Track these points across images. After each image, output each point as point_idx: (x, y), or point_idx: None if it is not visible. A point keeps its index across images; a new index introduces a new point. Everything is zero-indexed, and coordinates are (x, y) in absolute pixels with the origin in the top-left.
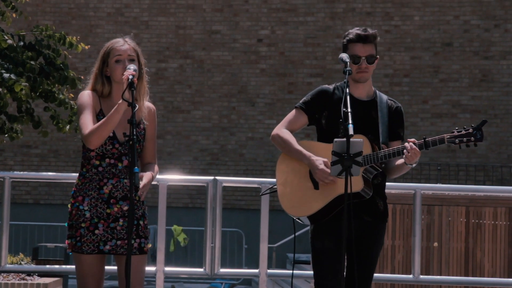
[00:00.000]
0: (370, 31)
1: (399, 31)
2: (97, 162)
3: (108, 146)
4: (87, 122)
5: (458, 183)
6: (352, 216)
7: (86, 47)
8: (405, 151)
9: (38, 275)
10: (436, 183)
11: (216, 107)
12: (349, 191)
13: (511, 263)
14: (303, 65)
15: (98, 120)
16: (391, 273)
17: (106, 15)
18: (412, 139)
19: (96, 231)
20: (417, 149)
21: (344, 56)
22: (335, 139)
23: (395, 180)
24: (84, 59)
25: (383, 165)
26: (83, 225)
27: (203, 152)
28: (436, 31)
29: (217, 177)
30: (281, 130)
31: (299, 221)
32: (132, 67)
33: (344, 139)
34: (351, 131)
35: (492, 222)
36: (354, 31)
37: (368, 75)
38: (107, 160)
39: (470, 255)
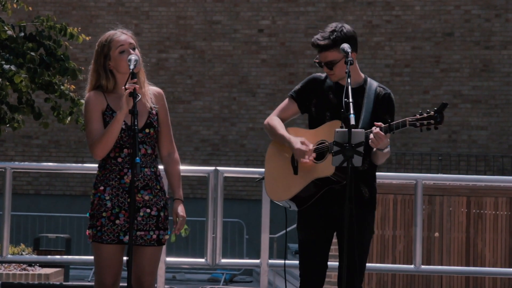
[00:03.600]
0: (328, 38)
1: (400, 21)
2: (116, 154)
3: (125, 137)
4: (92, 133)
5: (459, 173)
6: (335, 203)
7: (87, 38)
8: (370, 135)
9: (39, 266)
10: (437, 173)
11: (217, 98)
12: (320, 176)
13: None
14: (304, 56)
15: (106, 118)
16: (392, 263)
17: (107, 5)
18: (379, 124)
19: (117, 221)
20: (381, 133)
21: (346, 46)
22: (336, 130)
23: (396, 170)
24: (85, 50)
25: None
26: (104, 214)
27: (204, 143)
28: (437, 21)
29: (218, 168)
30: (272, 117)
31: (289, 207)
32: (133, 57)
33: (346, 129)
34: (352, 121)
35: (493, 212)
36: (316, 36)
37: (335, 77)
38: (125, 150)
39: (471, 245)
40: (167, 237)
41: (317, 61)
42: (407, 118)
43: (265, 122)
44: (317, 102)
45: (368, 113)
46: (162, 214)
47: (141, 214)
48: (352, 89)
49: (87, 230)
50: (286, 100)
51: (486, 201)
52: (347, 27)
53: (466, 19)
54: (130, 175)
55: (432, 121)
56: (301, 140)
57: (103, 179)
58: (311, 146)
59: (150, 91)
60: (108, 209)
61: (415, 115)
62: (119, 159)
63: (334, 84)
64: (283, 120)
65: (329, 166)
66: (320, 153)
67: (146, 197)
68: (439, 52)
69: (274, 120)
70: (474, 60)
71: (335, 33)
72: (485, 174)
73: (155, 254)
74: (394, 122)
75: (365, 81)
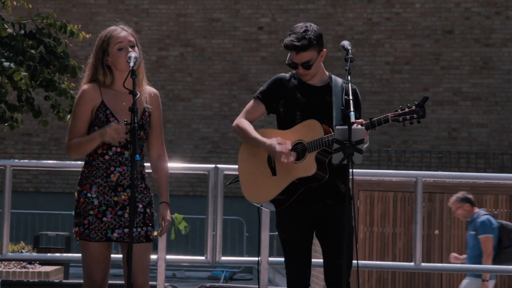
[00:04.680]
0: (303, 38)
1: (400, 18)
2: (104, 151)
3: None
4: (72, 132)
5: (459, 171)
6: (314, 201)
7: (87, 36)
8: None
9: (39, 263)
10: (437, 171)
11: (216, 95)
12: (301, 175)
13: None
14: None
15: (99, 114)
16: (392, 260)
17: (107, 3)
18: (360, 120)
19: (104, 219)
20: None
21: (346, 43)
22: (337, 127)
23: (396, 168)
24: (85, 47)
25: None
26: (91, 212)
27: (204, 140)
28: (437, 19)
29: (218, 165)
30: (240, 120)
31: (262, 208)
32: (133, 55)
33: (346, 126)
34: (352, 119)
35: (493, 209)
36: (289, 38)
37: (308, 76)
38: (113, 148)
39: None
40: (155, 233)
41: (290, 62)
42: (389, 114)
43: (234, 124)
44: (285, 102)
45: (339, 110)
46: (148, 210)
47: (128, 211)
48: (318, 87)
49: (74, 228)
50: (252, 102)
51: (486, 199)
52: (315, 26)
53: (466, 17)
54: (117, 174)
55: (414, 115)
56: (278, 140)
57: (89, 176)
58: (289, 144)
59: (146, 91)
60: (95, 207)
61: (397, 110)
62: (107, 157)
63: (299, 83)
64: (250, 122)
65: (311, 165)
66: (299, 153)
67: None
68: (439, 49)
69: (243, 122)
70: (474, 57)
71: (309, 32)
72: (485, 172)
73: (144, 251)
74: (376, 118)
75: (330, 78)
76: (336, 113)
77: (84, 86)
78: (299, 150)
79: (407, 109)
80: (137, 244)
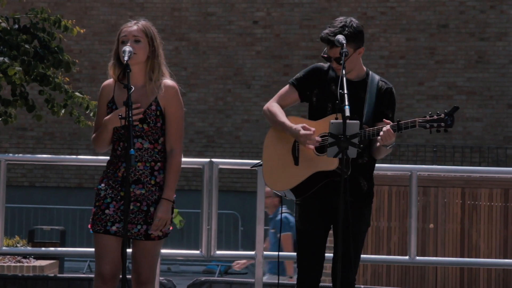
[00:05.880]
0: (339, 34)
1: (395, 12)
2: (116, 146)
3: (121, 131)
4: (95, 127)
5: (453, 165)
6: (335, 195)
7: (82, 31)
8: (381, 132)
9: (34, 258)
10: (432, 165)
11: (211, 90)
12: (323, 169)
13: (506, 244)
14: (298, 47)
15: (108, 109)
16: (387, 254)
17: None
18: (388, 121)
19: (107, 211)
20: (392, 130)
21: (341, 37)
22: (331, 121)
23: (391, 162)
24: (79, 42)
25: (361, 145)
26: (97, 203)
27: (199, 135)
28: (432, 13)
29: (213, 160)
30: (271, 104)
31: (285, 197)
32: (127, 49)
33: (340, 120)
34: (347, 113)
35: (488, 203)
36: (326, 31)
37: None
38: (121, 144)
39: (465, 236)
40: (160, 233)
41: (325, 55)
42: (417, 119)
43: (265, 107)
44: (319, 93)
45: (371, 107)
46: (151, 209)
47: (131, 207)
48: (354, 82)
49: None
50: (287, 87)
51: (480, 193)
52: (356, 22)
53: (461, 11)
54: (123, 169)
55: (442, 124)
56: (302, 125)
57: (105, 170)
58: (313, 130)
59: (162, 85)
60: (101, 198)
61: (425, 116)
62: (118, 152)
63: (336, 75)
64: (282, 107)
65: (333, 159)
66: (323, 146)
67: (138, 192)
68: (434, 43)
69: (274, 106)
70: (469, 51)
71: (347, 29)
72: (479, 166)
73: (147, 247)
74: (403, 122)
75: (367, 74)
76: (367, 110)
77: (105, 82)
78: (325, 142)
79: (435, 117)
80: (139, 241)
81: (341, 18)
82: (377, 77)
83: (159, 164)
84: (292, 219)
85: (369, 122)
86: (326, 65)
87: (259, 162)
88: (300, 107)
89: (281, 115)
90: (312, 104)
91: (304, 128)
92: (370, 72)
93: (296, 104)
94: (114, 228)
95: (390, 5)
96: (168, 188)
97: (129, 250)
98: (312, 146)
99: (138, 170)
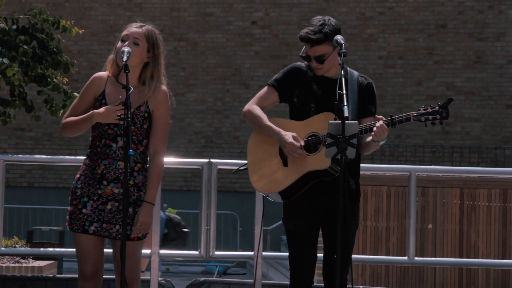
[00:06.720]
0: (319, 32)
1: (393, 12)
2: (97, 143)
3: (105, 127)
4: (71, 110)
5: (452, 165)
6: (324, 195)
7: (80, 32)
8: (374, 128)
9: (32, 258)
10: (431, 165)
11: (210, 90)
12: (314, 169)
13: (505, 245)
14: (297, 48)
15: (96, 103)
16: (385, 255)
17: None
18: (380, 116)
19: (84, 210)
20: (385, 126)
21: (340, 38)
22: (330, 121)
23: (389, 162)
24: (78, 42)
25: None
26: (74, 202)
27: (197, 135)
28: (431, 13)
29: (212, 160)
30: (252, 106)
31: (269, 198)
32: (126, 49)
33: (339, 121)
34: (346, 113)
35: (486, 203)
36: (305, 30)
37: (322, 70)
38: (103, 140)
39: (464, 236)
40: (139, 234)
41: (304, 55)
42: (411, 113)
43: (245, 110)
44: (300, 93)
45: (355, 104)
46: (130, 209)
47: (109, 207)
48: (334, 80)
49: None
50: (266, 89)
51: (479, 193)
52: (333, 20)
53: (460, 11)
54: (103, 166)
55: (437, 116)
56: (293, 134)
57: (82, 167)
58: (302, 143)
59: (156, 88)
60: (77, 197)
61: (419, 109)
62: (98, 149)
63: (315, 75)
64: (262, 109)
65: (324, 159)
66: (312, 145)
67: (116, 190)
68: (432, 44)
69: (256, 109)
70: (468, 52)
71: (326, 27)
72: (478, 166)
73: (128, 249)
74: (397, 116)
75: (346, 71)
76: (351, 107)
77: (98, 73)
78: (312, 142)
79: (430, 109)
80: (118, 241)
81: (319, 17)
82: (355, 73)
83: (138, 165)
84: (162, 214)
85: (355, 119)
86: (304, 64)
87: (242, 166)
88: (278, 107)
89: (265, 119)
90: (294, 104)
91: (295, 139)
92: (349, 69)
93: (275, 105)
94: (92, 228)
95: (388, 5)
96: (150, 190)
97: (109, 250)
98: (297, 157)
99: (118, 169)
